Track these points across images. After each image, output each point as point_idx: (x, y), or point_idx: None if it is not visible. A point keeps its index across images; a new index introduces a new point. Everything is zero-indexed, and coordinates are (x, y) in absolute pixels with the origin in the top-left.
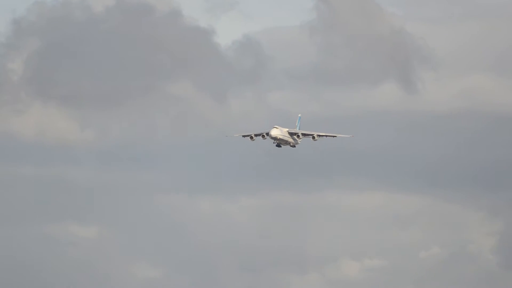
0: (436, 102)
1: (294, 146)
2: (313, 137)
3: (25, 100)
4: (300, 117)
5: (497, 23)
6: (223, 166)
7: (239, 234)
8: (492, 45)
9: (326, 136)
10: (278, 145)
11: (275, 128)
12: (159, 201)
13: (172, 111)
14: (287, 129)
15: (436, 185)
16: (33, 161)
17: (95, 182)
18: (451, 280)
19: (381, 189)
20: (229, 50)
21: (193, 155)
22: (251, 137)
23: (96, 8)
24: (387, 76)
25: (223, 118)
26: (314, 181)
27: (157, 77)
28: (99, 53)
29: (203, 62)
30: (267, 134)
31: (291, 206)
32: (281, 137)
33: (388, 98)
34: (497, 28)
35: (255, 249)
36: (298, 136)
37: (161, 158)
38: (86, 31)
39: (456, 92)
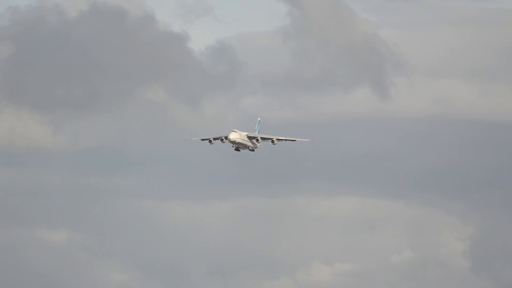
0: (409, 108)
1: (253, 150)
2: (272, 141)
3: None
4: (259, 120)
5: (470, 29)
6: (195, 171)
7: (209, 239)
8: (465, 51)
9: (286, 140)
10: (237, 149)
11: (233, 132)
12: (131, 205)
13: (145, 116)
14: (246, 133)
15: (408, 190)
16: (5, 166)
17: (66, 187)
18: (423, 285)
19: (352, 193)
20: (203, 55)
21: (166, 160)
22: (210, 141)
23: (69, 13)
24: (361, 81)
25: (196, 123)
26: (285, 186)
27: (131, 82)
28: (72, 58)
29: (176, 67)
30: (226, 138)
31: (262, 211)
32: (239, 141)
33: (361, 103)
34: (470, 34)
35: (226, 253)
36: (257, 140)
37: (134, 163)
38: (59, 36)
39: (429, 97)
